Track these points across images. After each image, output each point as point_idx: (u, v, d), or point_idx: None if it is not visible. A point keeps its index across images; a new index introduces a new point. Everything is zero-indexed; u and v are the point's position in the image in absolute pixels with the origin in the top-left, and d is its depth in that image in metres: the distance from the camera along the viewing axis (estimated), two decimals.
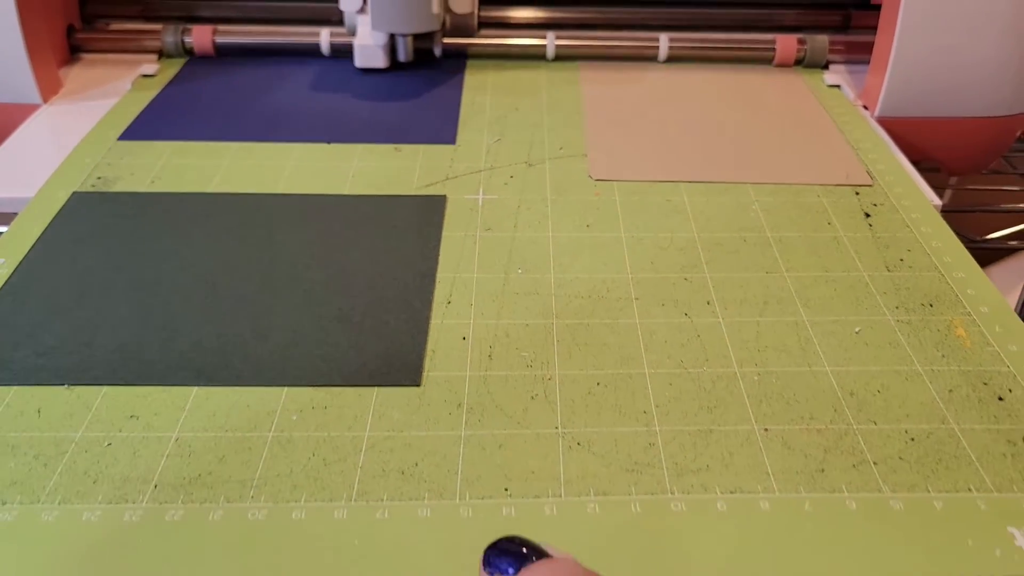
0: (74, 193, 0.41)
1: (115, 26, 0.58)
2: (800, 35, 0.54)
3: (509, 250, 0.38)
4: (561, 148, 0.45)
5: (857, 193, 0.42)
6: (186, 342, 0.33)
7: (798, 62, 0.54)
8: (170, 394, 0.30)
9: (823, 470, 0.27)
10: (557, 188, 0.42)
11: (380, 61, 0.52)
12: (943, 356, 0.32)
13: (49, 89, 0.49)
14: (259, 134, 0.46)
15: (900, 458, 0.28)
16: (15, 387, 0.31)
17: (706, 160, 0.44)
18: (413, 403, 0.30)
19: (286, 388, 0.31)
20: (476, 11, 0.55)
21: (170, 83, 0.52)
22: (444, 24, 0.54)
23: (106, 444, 0.29)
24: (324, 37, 0.54)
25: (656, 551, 0.25)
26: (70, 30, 0.54)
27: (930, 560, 0.25)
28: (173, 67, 0.54)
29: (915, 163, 0.45)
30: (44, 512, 0.26)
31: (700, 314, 0.34)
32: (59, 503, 0.27)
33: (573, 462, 0.28)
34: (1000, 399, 0.30)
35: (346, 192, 0.42)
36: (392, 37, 0.52)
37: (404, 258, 0.37)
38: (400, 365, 0.32)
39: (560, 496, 0.27)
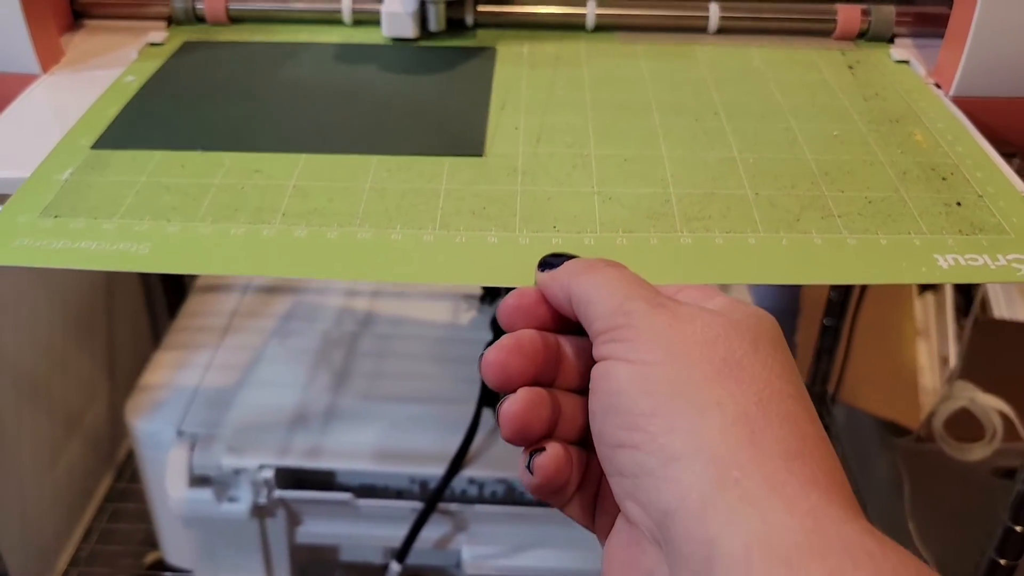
0: (186, 42, 0.49)
1: None
2: (864, 5, 0.49)
3: (552, 78, 0.46)
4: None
5: (843, 54, 0.49)
6: (292, 127, 0.41)
7: (861, 35, 0.50)
8: (285, 158, 0.39)
9: (799, 219, 0.35)
10: (590, 50, 0.49)
11: (409, 30, 0.48)
12: (902, 152, 0.40)
13: (49, 58, 0.45)
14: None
15: (859, 213, 0.36)
16: (160, 151, 0.39)
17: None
18: (478, 168, 0.38)
19: (376, 156, 0.39)
20: None
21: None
22: None
23: (239, 188, 0.37)
24: (346, 4, 0.50)
25: (668, 267, 0.33)
26: None
27: (872, 274, 0.33)
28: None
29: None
30: (200, 227, 0.34)
31: (707, 120, 0.42)
32: (211, 222, 0.35)
33: (606, 211, 0.36)
34: (943, 179, 0.38)
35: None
36: (423, 5, 0.48)
37: (465, 79, 0.46)
38: (466, 142, 0.40)
39: (596, 232, 0.34)
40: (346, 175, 0.38)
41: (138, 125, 0.41)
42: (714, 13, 0.49)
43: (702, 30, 0.50)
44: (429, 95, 0.44)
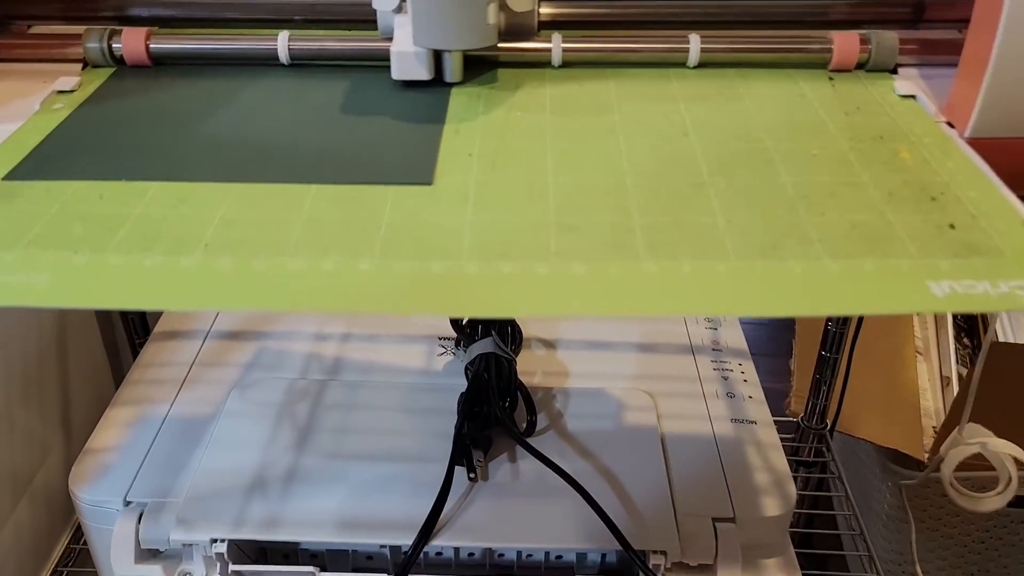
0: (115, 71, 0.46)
1: (37, 29, 0.48)
2: (862, 31, 0.44)
3: (509, 103, 0.43)
4: None
5: (835, 86, 0.44)
6: (224, 156, 0.39)
7: (860, 65, 0.44)
8: (215, 187, 0.36)
9: (775, 246, 0.33)
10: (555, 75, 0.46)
11: (424, 72, 0.43)
12: (888, 171, 0.37)
13: None
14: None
15: (843, 239, 0.33)
16: (78, 181, 0.37)
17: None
18: (426, 196, 0.36)
19: (315, 185, 0.36)
20: (536, 8, 0.45)
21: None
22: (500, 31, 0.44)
23: (161, 218, 0.34)
24: (281, 42, 0.45)
25: (630, 297, 0.31)
26: None
27: (857, 304, 0.30)
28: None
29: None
30: (111, 258, 0.32)
31: (675, 140, 0.39)
32: (123, 253, 0.32)
33: (564, 239, 0.33)
34: (933, 199, 0.35)
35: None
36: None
37: (417, 105, 0.43)
38: (414, 169, 0.37)
39: (550, 261, 0.32)
40: (280, 205, 0.35)
41: (58, 154, 0.39)
42: (695, 45, 0.44)
43: (681, 64, 0.45)
44: (378, 118, 0.42)
